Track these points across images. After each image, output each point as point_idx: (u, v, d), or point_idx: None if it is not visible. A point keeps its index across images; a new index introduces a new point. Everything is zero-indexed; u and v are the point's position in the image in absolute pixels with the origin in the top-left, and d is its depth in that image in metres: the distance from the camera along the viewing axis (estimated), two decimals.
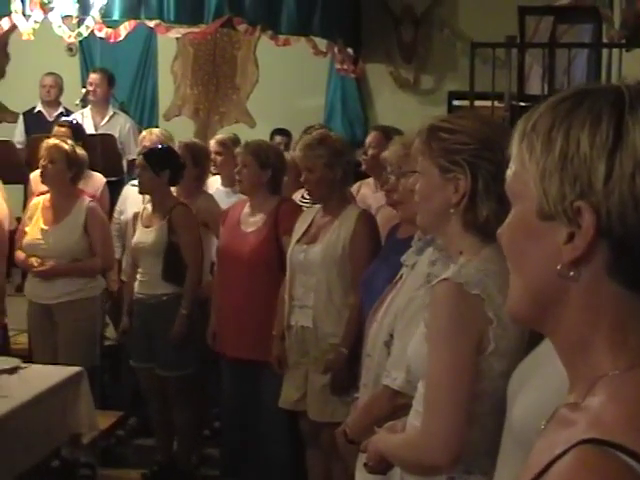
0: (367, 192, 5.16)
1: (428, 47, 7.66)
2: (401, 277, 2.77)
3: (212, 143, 5.87)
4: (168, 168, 4.78)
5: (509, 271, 1.10)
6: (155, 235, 4.76)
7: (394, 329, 2.64)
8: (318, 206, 4.21)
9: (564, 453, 0.91)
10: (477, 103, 5.51)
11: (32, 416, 3.79)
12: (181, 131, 7.11)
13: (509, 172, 1.07)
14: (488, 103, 5.51)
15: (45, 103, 7.65)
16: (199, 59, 8.46)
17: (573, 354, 1.02)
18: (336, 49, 7.06)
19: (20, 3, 5.67)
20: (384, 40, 7.68)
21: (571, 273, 0.98)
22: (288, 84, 8.02)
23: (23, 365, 4.19)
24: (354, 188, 5.30)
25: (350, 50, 7.25)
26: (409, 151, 2.80)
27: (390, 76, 7.78)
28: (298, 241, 4.11)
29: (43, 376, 4.10)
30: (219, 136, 6.09)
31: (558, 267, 0.99)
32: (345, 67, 7.28)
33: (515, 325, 1.88)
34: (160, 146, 5.15)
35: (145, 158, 4.84)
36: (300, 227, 4.15)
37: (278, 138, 6.98)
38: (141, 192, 4.90)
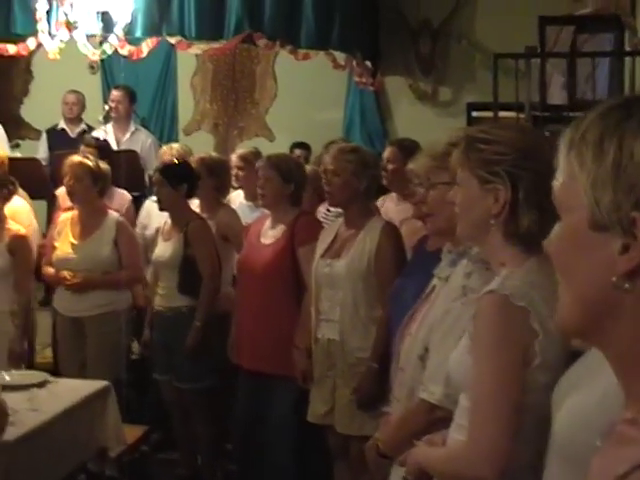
0: (390, 206, 5.18)
1: (446, 59, 7.67)
2: (433, 290, 2.76)
3: (234, 158, 5.90)
4: (185, 182, 4.83)
5: (554, 282, 1.09)
6: (172, 248, 4.82)
7: (429, 342, 2.62)
8: (341, 219, 4.23)
9: (629, 473, 0.89)
10: (501, 114, 5.51)
11: (61, 430, 3.82)
12: (201, 146, 7.16)
13: (556, 183, 1.06)
14: (508, 114, 5.51)
15: (68, 120, 7.73)
16: (218, 74, 8.52)
17: (628, 368, 0.99)
18: (355, 62, 7.09)
19: (46, 23, 5.74)
20: (402, 53, 7.70)
21: (626, 285, 0.96)
22: (307, 98, 8.06)
23: (51, 379, 4.23)
24: (378, 202, 5.32)
25: (368, 63, 7.28)
26: (437, 162, 2.82)
27: (409, 89, 7.79)
28: (322, 255, 4.12)
29: (71, 390, 4.13)
30: (240, 151, 6.13)
31: (613, 279, 0.96)
32: (364, 80, 7.31)
33: (561, 338, 1.88)
34: (176, 161, 5.20)
35: (162, 173, 4.89)
36: (324, 241, 4.16)
37: (298, 152, 7.01)
38: (161, 209, 4.95)
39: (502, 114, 5.46)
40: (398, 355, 2.85)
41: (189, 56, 7.77)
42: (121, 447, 4.37)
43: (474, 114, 7.13)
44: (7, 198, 4.90)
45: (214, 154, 5.56)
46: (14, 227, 4.86)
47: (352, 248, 4.02)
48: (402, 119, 7.84)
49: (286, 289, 4.37)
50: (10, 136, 7.79)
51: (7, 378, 4.14)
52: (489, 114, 5.67)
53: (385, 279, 3.86)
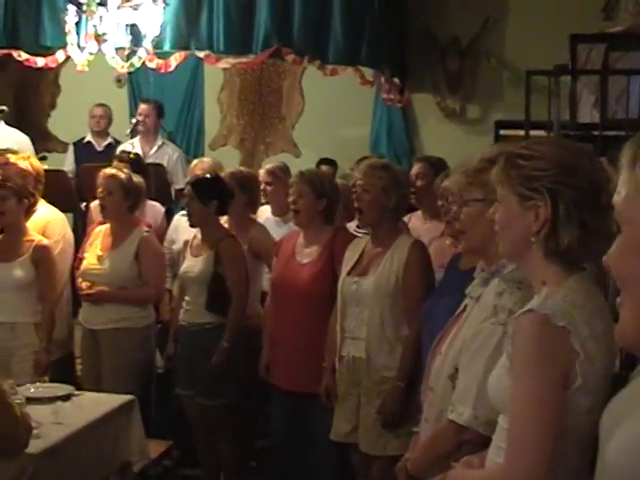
0: (417, 224, 5.14)
1: (474, 77, 7.64)
2: (464, 309, 2.72)
3: (262, 173, 5.89)
4: (216, 198, 4.79)
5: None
6: (202, 265, 4.78)
7: (459, 362, 2.59)
8: (367, 237, 4.19)
9: None
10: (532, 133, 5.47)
11: (85, 443, 3.80)
12: (227, 161, 7.14)
13: (617, 197, 1.05)
14: (538, 132, 5.47)
15: (94, 133, 7.77)
16: (245, 89, 8.53)
17: None
18: (382, 79, 7.07)
19: (75, 35, 5.76)
20: (430, 70, 7.68)
21: None
22: (333, 114, 8.05)
23: (76, 392, 4.22)
24: (405, 219, 5.28)
25: (397, 80, 7.26)
26: (470, 179, 2.79)
27: (436, 106, 7.77)
28: (349, 273, 4.09)
29: (96, 403, 4.12)
30: (269, 166, 6.11)
31: None
32: (391, 97, 7.29)
33: (603, 359, 1.83)
34: (208, 175, 5.16)
35: (193, 188, 4.85)
36: (350, 258, 4.13)
37: (324, 168, 6.99)
38: (192, 225, 4.91)
39: (532, 132, 5.43)
40: (428, 375, 2.81)
41: (216, 70, 7.79)
42: (144, 462, 4.34)
43: (502, 132, 7.11)
44: (28, 210, 4.90)
45: (244, 169, 5.54)
46: (37, 237, 4.87)
47: (379, 266, 3.98)
48: (429, 136, 7.81)
49: (326, 308, 4.30)
50: (37, 149, 7.79)
51: (32, 390, 4.13)
52: (517, 132, 5.65)
53: (412, 297, 3.83)
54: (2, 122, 7.21)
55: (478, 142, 7.00)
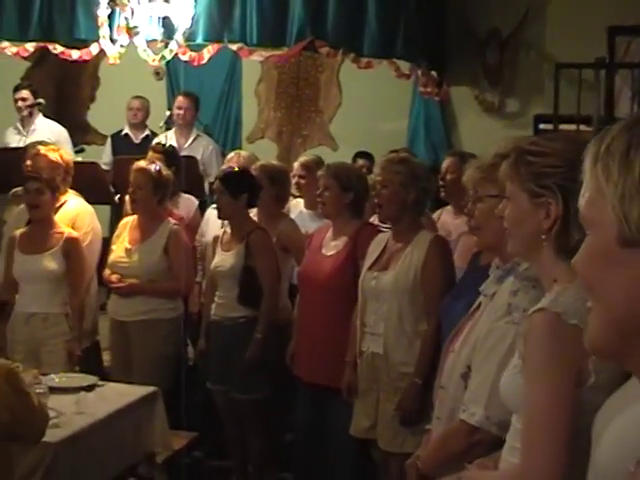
0: (447, 219, 5.09)
1: (514, 70, 7.52)
2: (479, 306, 2.68)
3: (296, 166, 5.88)
4: (245, 192, 4.79)
5: None
6: (233, 259, 4.78)
7: (472, 361, 2.55)
8: (390, 232, 4.16)
9: None
10: (564, 127, 5.38)
11: (106, 433, 3.85)
12: (264, 154, 7.13)
13: (581, 200, 1.02)
14: (572, 127, 5.37)
15: (132, 126, 7.81)
16: (283, 82, 8.52)
17: None
18: (419, 72, 7.00)
19: (108, 29, 5.80)
20: (469, 63, 7.58)
21: None
22: (371, 107, 8.00)
23: (100, 383, 4.26)
24: (435, 215, 5.23)
25: (434, 73, 7.17)
26: (485, 174, 2.74)
27: (475, 100, 7.67)
28: (370, 268, 4.06)
29: (119, 394, 4.16)
30: (303, 158, 6.09)
31: None
32: (429, 90, 7.21)
33: None
34: (236, 169, 5.17)
35: (222, 182, 4.86)
36: (372, 253, 4.10)
37: (360, 161, 6.95)
38: (220, 217, 4.93)
39: (566, 127, 5.33)
40: (441, 372, 2.77)
41: (254, 63, 7.77)
42: (168, 453, 4.37)
43: (541, 126, 7.00)
44: (56, 202, 4.96)
45: (275, 162, 5.53)
46: (67, 230, 4.91)
47: (399, 261, 3.95)
48: (467, 130, 7.72)
49: (347, 301, 4.29)
50: (77, 141, 7.90)
51: (56, 380, 4.17)
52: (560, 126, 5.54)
53: (431, 294, 3.80)
54: (40, 114, 7.30)
55: (527, 136, 6.89)
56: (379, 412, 3.94)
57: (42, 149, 5.13)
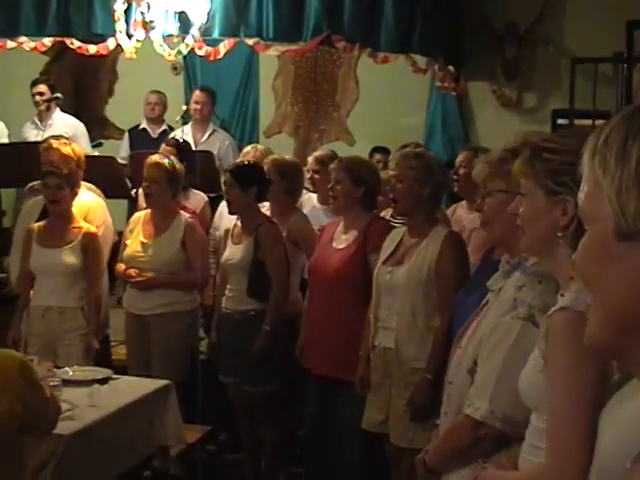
0: (462, 214, 5.07)
1: (532, 64, 7.47)
2: (487, 302, 2.68)
3: (310, 160, 5.87)
4: (255, 185, 4.81)
5: None
6: (242, 252, 4.81)
7: (478, 356, 2.55)
8: (405, 227, 4.15)
9: None
10: (580, 122, 5.34)
11: (118, 426, 3.87)
12: (281, 148, 7.14)
13: (581, 194, 1.02)
14: (590, 122, 5.33)
15: (149, 120, 7.84)
16: (300, 77, 8.51)
17: None
18: (436, 67, 6.97)
19: (124, 23, 5.82)
20: (487, 57, 7.54)
21: None
22: (388, 102, 7.98)
23: (114, 376, 4.28)
24: (450, 210, 5.22)
25: (451, 68, 7.15)
26: (493, 169, 2.74)
27: (492, 94, 7.63)
28: (384, 262, 4.06)
29: (132, 388, 4.18)
30: (317, 153, 6.09)
31: None
32: (446, 85, 7.18)
33: None
34: (246, 162, 5.19)
35: (232, 175, 4.87)
36: (387, 248, 4.10)
37: (377, 156, 6.94)
38: (231, 212, 4.94)
39: (584, 122, 5.29)
40: (450, 367, 2.77)
41: (271, 58, 7.78)
42: (181, 446, 4.39)
43: (559, 121, 6.96)
44: (73, 196, 4.99)
45: (287, 156, 5.54)
46: (85, 225, 4.94)
47: (413, 256, 3.95)
48: (485, 125, 7.69)
49: (356, 295, 4.32)
50: (95, 135, 7.95)
51: (70, 373, 4.20)
52: (578, 121, 5.50)
53: (445, 289, 3.79)
54: (58, 109, 7.34)
55: (537, 131, 6.84)
56: (391, 407, 3.94)
57: (54, 143, 5.15)
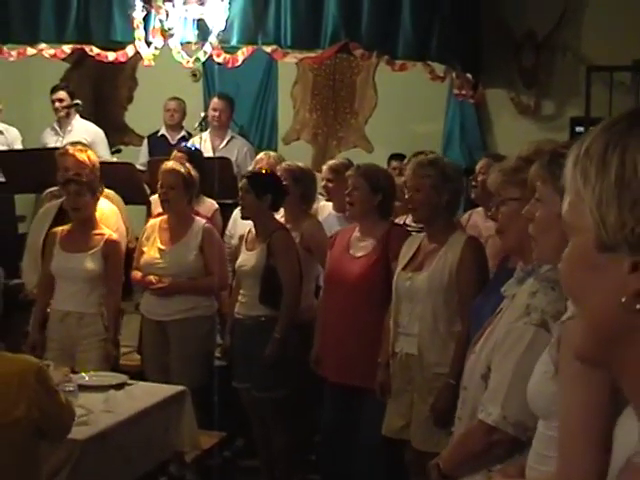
0: (478, 221, 5.07)
1: (549, 72, 7.46)
2: (502, 308, 2.68)
3: (324, 169, 5.88)
4: (270, 193, 4.84)
5: None
6: (255, 258, 4.83)
7: (492, 362, 2.55)
8: (423, 233, 4.16)
9: None
10: None
11: (134, 432, 3.88)
12: (299, 155, 7.16)
13: (564, 204, 1.01)
14: None
15: (168, 127, 7.88)
16: (318, 84, 8.53)
17: None
18: (454, 74, 6.97)
19: (143, 31, 5.86)
20: (505, 65, 7.54)
21: (638, 306, 0.91)
22: (407, 109, 7.98)
23: (130, 382, 4.30)
24: (465, 216, 5.22)
25: (469, 75, 7.14)
26: (507, 177, 2.74)
27: (510, 102, 7.62)
28: (404, 268, 4.06)
29: (148, 393, 4.19)
30: (331, 162, 6.10)
31: (623, 299, 0.92)
32: (463, 92, 7.18)
33: None
34: (264, 171, 5.22)
35: (249, 181, 4.91)
36: (406, 254, 4.11)
37: (394, 163, 6.95)
38: (243, 217, 4.97)
39: None
40: (465, 373, 2.78)
41: (290, 65, 7.80)
42: (196, 452, 4.41)
43: (578, 129, 6.93)
44: (96, 202, 5.01)
45: (300, 163, 5.56)
46: (107, 232, 4.97)
47: (434, 262, 3.96)
48: (503, 133, 7.68)
49: (377, 302, 4.32)
50: (115, 141, 8.00)
51: (86, 379, 4.22)
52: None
53: (466, 294, 3.79)
54: (77, 115, 7.40)
55: (553, 139, 6.82)
56: (413, 413, 3.95)
57: (70, 149, 5.19)
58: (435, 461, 2.76)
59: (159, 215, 5.31)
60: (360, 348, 4.36)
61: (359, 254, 4.48)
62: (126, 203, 5.69)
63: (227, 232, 5.77)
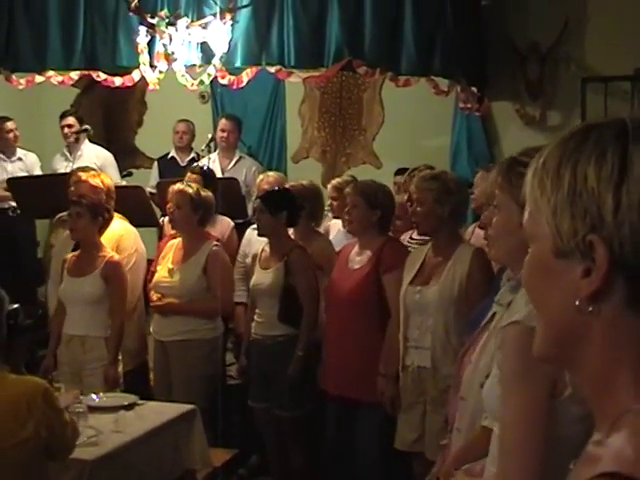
0: (481, 233, 5.08)
1: (554, 83, 7.49)
2: (493, 317, 2.71)
3: (329, 188, 5.94)
4: (285, 210, 4.87)
5: None
6: (272, 277, 4.85)
7: (492, 370, 2.58)
8: (428, 246, 4.20)
9: None
10: None
11: (143, 451, 3.92)
12: (309, 173, 7.23)
13: (525, 213, 1.07)
14: None
15: (178, 149, 7.94)
16: (325, 102, 8.58)
17: (598, 392, 1.00)
18: (459, 88, 7.01)
19: (147, 55, 5.94)
20: (510, 77, 7.56)
21: (590, 308, 0.97)
22: (414, 124, 8.02)
23: (140, 402, 4.34)
24: (469, 229, 5.24)
25: (474, 89, 7.18)
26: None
27: (516, 113, 7.65)
28: (411, 282, 4.10)
29: (157, 413, 4.24)
30: (335, 181, 6.16)
31: (577, 302, 0.98)
32: (469, 106, 7.21)
33: None
34: (277, 188, 5.26)
35: (262, 201, 4.95)
36: (411, 267, 4.14)
37: (398, 178, 6.98)
38: (259, 235, 5.02)
39: None
40: (458, 384, 2.79)
41: (297, 83, 7.86)
42: (207, 469, 4.44)
43: None
44: (102, 226, 5.05)
45: (305, 182, 5.61)
46: (110, 253, 5.00)
47: (442, 275, 4.00)
48: (510, 144, 7.68)
49: (371, 315, 4.40)
50: (125, 165, 8.07)
51: (95, 400, 4.27)
52: None
53: (477, 305, 3.80)
54: (87, 140, 7.49)
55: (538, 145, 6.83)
56: (426, 424, 3.98)
57: (83, 175, 5.26)
58: (431, 477, 2.78)
59: (172, 236, 5.37)
60: (358, 361, 4.41)
61: (355, 267, 4.55)
62: (136, 226, 5.74)
63: (241, 251, 5.81)
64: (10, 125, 7.55)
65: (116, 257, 5.01)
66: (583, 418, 1.79)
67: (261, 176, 6.22)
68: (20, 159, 7.66)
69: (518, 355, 1.89)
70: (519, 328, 1.91)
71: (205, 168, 6.11)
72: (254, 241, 5.53)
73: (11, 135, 7.56)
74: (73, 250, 5.19)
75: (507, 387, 1.91)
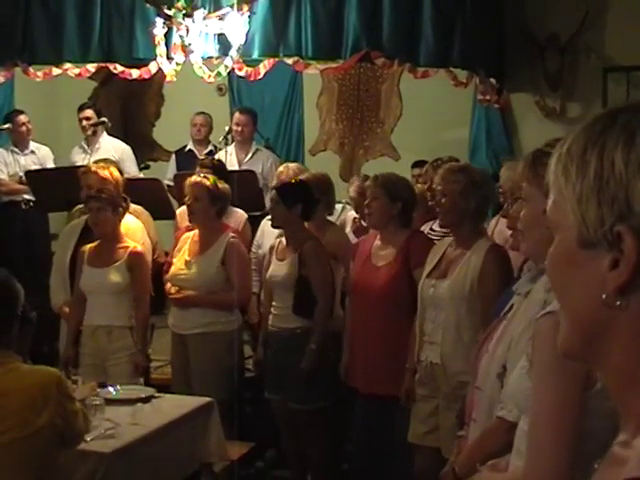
0: (504, 227, 5.03)
1: (574, 74, 7.42)
2: (511, 307, 2.67)
3: (351, 190, 5.92)
4: (300, 202, 4.84)
5: None
6: (287, 268, 4.83)
7: (508, 360, 2.53)
8: (450, 239, 4.15)
9: None
10: None
11: (160, 444, 3.91)
12: (327, 166, 7.20)
13: (549, 202, 1.03)
14: None
15: (195, 142, 7.93)
16: (343, 94, 8.55)
17: (623, 390, 0.96)
18: (477, 80, 6.96)
19: (164, 47, 5.92)
20: (529, 69, 7.50)
21: (618, 302, 0.93)
22: (432, 116, 7.98)
23: (157, 395, 4.33)
24: (492, 223, 5.19)
25: (493, 80, 7.12)
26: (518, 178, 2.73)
27: (536, 105, 7.58)
28: (429, 275, 4.06)
29: (174, 406, 4.22)
30: (356, 183, 6.06)
31: (604, 296, 0.93)
32: (487, 98, 7.16)
33: None
34: (292, 180, 5.23)
35: (278, 192, 4.93)
36: (431, 260, 4.10)
37: (416, 170, 6.93)
38: (273, 226, 5.00)
39: None
40: (475, 374, 2.76)
41: (315, 76, 7.82)
42: (224, 463, 4.43)
43: None
44: (121, 216, 5.06)
45: (317, 173, 5.58)
46: (132, 244, 5.01)
47: (457, 269, 3.94)
48: (529, 136, 7.62)
49: (403, 311, 4.33)
50: (143, 158, 8.07)
51: (113, 393, 4.26)
52: None
53: (489, 302, 3.72)
54: (105, 133, 7.49)
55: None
56: (440, 420, 3.94)
57: (92, 166, 5.26)
58: (448, 468, 2.76)
59: (187, 227, 5.36)
60: (387, 358, 4.37)
61: (380, 263, 4.49)
62: (154, 218, 5.74)
63: (255, 242, 5.80)
64: (23, 118, 7.55)
65: (139, 248, 5.03)
66: (612, 414, 1.75)
67: (281, 167, 6.19)
68: (33, 152, 7.67)
69: (551, 348, 1.84)
70: (553, 319, 1.86)
71: (216, 161, 6.07)
72: (268, 232, 5.52)
73: (24, 128, 7.56)
74: (78, 241, 5.18)
75: (540, 380, 1.87)
